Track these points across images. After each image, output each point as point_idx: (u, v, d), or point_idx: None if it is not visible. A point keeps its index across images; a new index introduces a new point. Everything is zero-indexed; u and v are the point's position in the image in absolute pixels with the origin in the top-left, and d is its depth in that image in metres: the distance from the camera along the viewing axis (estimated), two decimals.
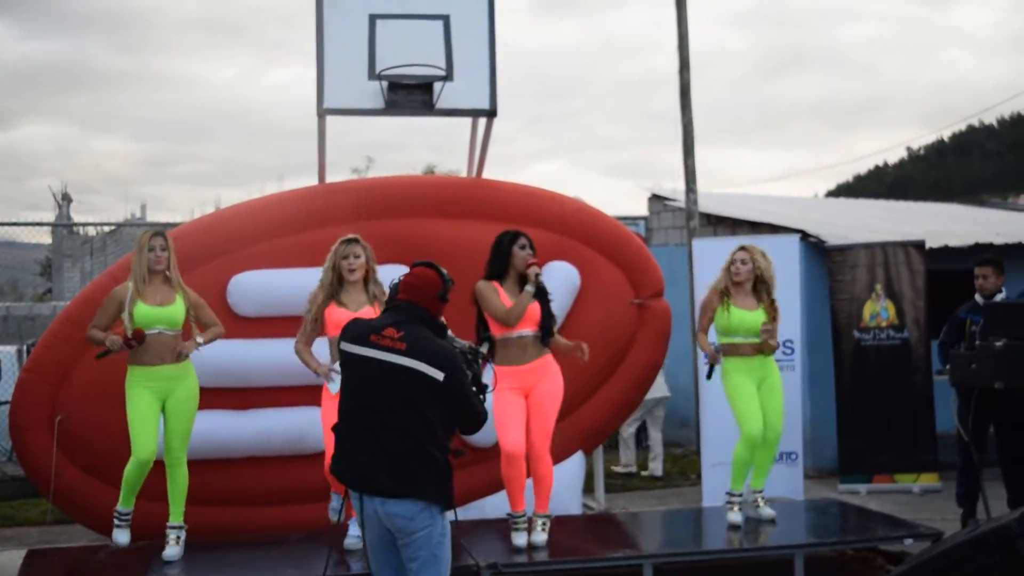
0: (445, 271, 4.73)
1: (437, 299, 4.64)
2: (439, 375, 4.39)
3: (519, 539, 6.39)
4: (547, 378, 6.35)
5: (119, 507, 6.31)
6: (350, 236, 6.20)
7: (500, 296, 6.29)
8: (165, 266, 6.19)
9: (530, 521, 6.42)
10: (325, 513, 6.19)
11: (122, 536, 6.28)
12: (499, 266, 6.39)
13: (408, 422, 4.39)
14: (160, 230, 6.37)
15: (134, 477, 6.18)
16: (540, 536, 6.39)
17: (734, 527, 6.80)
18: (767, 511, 6.94)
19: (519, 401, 6.26)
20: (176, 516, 6.36)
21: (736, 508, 6.90)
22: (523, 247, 6.36)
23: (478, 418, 4.58)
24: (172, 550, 6.28)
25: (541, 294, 6.36)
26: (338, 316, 6.01)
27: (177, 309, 6.18)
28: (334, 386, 5.86)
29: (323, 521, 6.18)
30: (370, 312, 6.09)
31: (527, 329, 6.31)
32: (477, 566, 5.88)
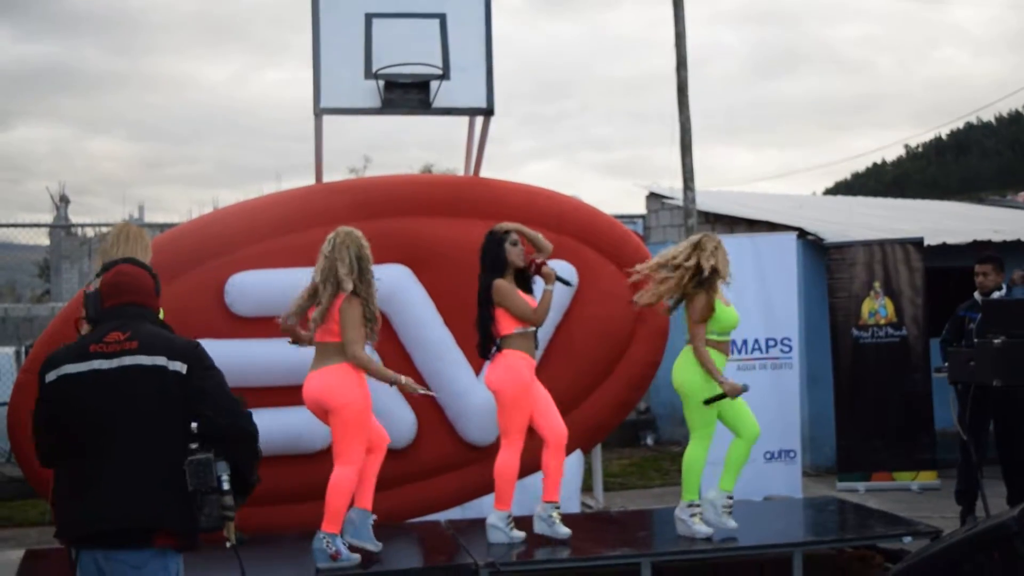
0: (150, 265, 4.45)
1: (155, 294, 4.17)
2: (182, 367, 3.80)
3: (518, 533, 6.42)
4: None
5: None
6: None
7: (518, 293, 6.38)
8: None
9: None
10: (320, 513, 6.17)
11: None
12: (497, 265, 6.42)
13: (146, 441, 3.72)
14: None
15: None
16: (565, 529, 6.41)
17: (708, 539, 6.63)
18: (732, 521, 6.73)
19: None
20: None
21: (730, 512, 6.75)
22: (514, 243, 6.40)
23: (238, 424, 3.83)
24: None
25: (528, 285, 6.48)
26: None
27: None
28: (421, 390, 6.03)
29: (318, 521, 6.16)
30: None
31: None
32: (476, 565, 5.88)
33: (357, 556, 5.93)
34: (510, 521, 6.44)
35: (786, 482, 9.14)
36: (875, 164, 47.08)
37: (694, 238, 6.82)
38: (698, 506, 6.59)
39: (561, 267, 7.74)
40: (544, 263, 6.40)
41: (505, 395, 6.36)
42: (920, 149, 48.56)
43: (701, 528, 6.52)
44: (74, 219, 23.93)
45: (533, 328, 6.43)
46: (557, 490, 6.51)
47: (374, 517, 6.16)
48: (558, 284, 6.52)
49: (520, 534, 6.41)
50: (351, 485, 5.92)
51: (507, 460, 6.35)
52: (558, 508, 6.53)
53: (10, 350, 12.79)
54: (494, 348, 6.42)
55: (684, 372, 6.65)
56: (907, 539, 6.56)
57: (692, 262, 6.52)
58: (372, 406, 6.14)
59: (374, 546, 6.08)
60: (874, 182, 42.01)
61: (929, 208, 18.48)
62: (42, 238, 21.45)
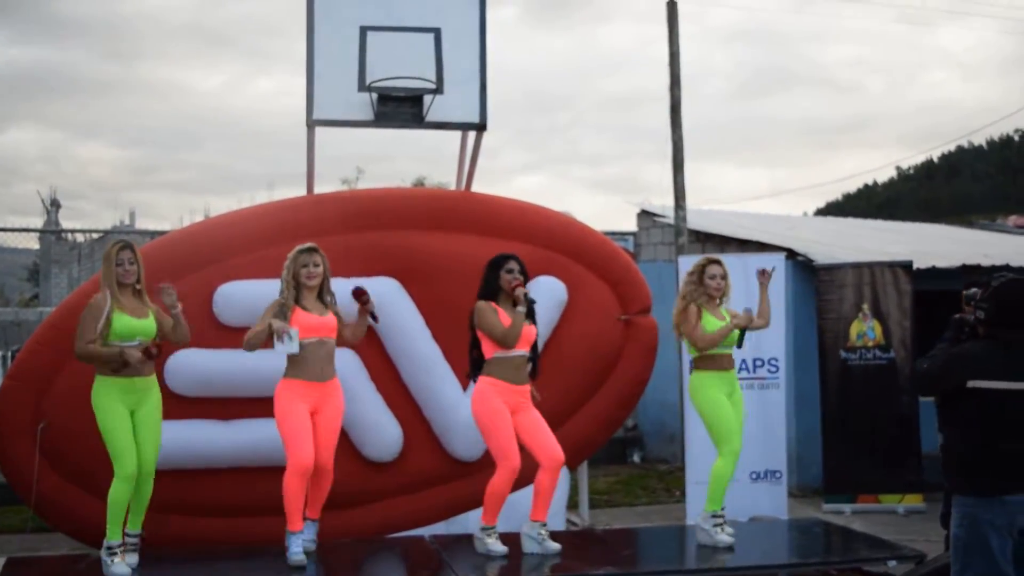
0: None
1: None
2: None
3: (499, 547, 6.42)
4: (530, 401, 6.51)
5: (109, 540, 6.00)
6: (310, 245, 6.30)
7: (499, 316, 6.35)
8: (134, 279, 6.09)
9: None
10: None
11: (122, 568, 5.99)
12: (490, 289, 6.45)
13: None
14: (128, 243, 6.17)
15: (124, 498, 5.99)
16: (554, 545, 6.44)
17: (729, 548, 6.69)
18: (724, 537, 6.80)
19: (510, 416, 6.35)
20: (136, 525, 6.25)
21: (724, 527, 6.80)
22: (510, 271, 6.41)
23: None
24: (132, 558, 6.16)
25: (534, 319, 6.53)
26: (303, 319, 6.16)
27: (151, 323, 6.12)
28: (285, 347, 6.02)
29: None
30: (332, 319, 6.26)
31: (525, 350, 6.42)
32: None
33: (302, 559, 6.10)
34: (492, 532, 6.45)
35: (772, 503, 9.12)
36: (866, 185, 47.30)
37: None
38: (721, 516, 6.73)
39: (550, 283, 7.76)
40: (518, 285, 6.38)
41: (479, 421, 6.41)
42: (911, 171, 48.78)
43: (724, 538, 6.65)
44: (64, 224, 23.90)
45: (516, 353, 6.36)
46: (546, 510, 6.49)
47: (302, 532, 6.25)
48: (544, 300, 6.56)
49: (503, 549, 6.39)
50: (292, 488, 6.09)
51: (495, 481, 6.34)
52: (545, 526, 6.50)
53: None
54: (475, 375, 6.47)
55: (693, 394, 6.92)
56: (891, 563, 6.56)
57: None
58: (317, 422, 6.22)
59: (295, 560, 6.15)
60: (865, 203, 42.14)
61: (919, 231, 18.53)
62: (32, 242, 21.45)
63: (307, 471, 6.05)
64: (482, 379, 6.39)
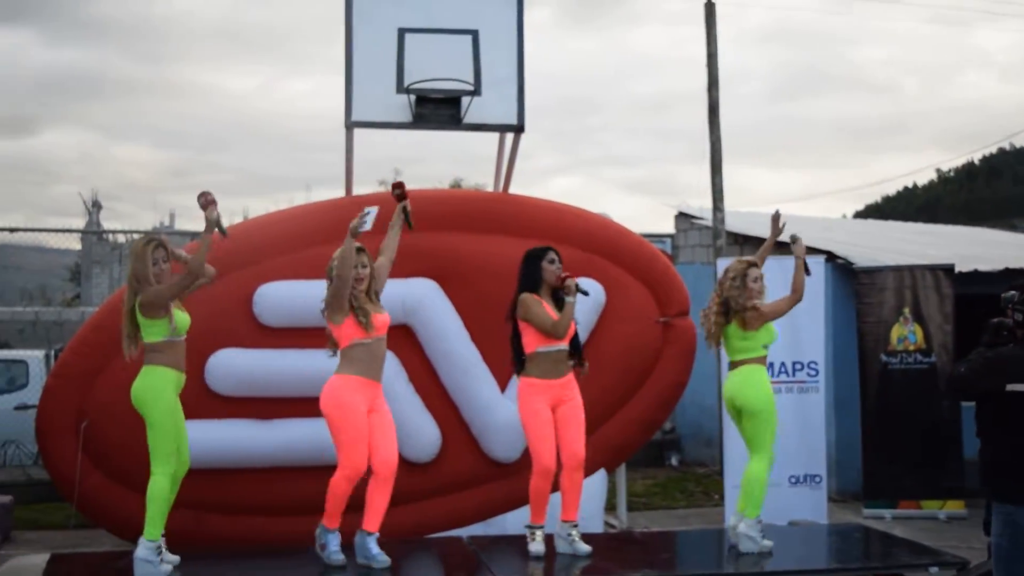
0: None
1: None
2: None
3: (538, 548, 6.36)
4: (575, 391, 6.43)
5: (150, 539, 5.87)
6: (358, 245, 6.11)
7: (545, 308, 6.31)
8: (166, 279, 6.03)
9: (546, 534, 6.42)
10: (346, 524, 6.15)
11: (166, 568, 5.92)
12: (532, 281, 6.39)
13: None
14: (160, 241, 6.11)
15: (169, 495, 5.93)
16: (583, 545, 6.37)
17: (766, 553, 6.63)
18: (767, 541, 6.66)
19: (551, 416, 6.31)
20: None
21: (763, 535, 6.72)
22: (552, 261, 6.39)
23: None
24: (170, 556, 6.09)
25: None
26: (374, 319, 6.01)
27: (188, 316, 6.15)
28: (367, 219, 5.92)
29: (343, 532, 6.15)
30: (387, 317, 6.15)
31: (565, 344, 6.37)
32: None
33: (341, 557, 6.03)
34: (540, 530, 6.40)
35: (811, 507, 9.06)
36: (906, 188, 46.82)
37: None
38: (760, 521, 6.61)
39: (588, 285, 7.74)
40: (567, 276, 6.36)
41: (520, 421, 6.40)
42: (952, 174, 48.26)
43: (768, 543, 6.56)
44: (104, 225, 24.15)
45: (558, 347, 6.35)
46: (575, 510, 6.47)
47: (376, 535, 6.11)
48: (582, 303, 6.50)
49: (540, 550, 6.37)
50: (341, 491, 5.95)
51: (532, 481, 6.32)
52: (576, 526, 6.48)
53: (40, 353, 12.91)
54: (520, 368, 6.42)
55: (749, 388, 6.61)
56: (933, 569, 6.47)
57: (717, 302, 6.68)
58: (384, 424, 6.07)
59: (379, 563, 6.04)
60: (905, 206, 41.74)
61: (961, 234, 18.35)
62: (74, 243, 21.68)
63: (359, 476, 5.93)
64: (523, 380, 6.36)
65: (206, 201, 6.01)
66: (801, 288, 6.84)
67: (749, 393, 6.62)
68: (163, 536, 6.06)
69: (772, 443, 6.65)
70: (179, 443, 6.00)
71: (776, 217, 7.13)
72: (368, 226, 5.94)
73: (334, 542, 6.07)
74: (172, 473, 5.94)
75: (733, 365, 6.75)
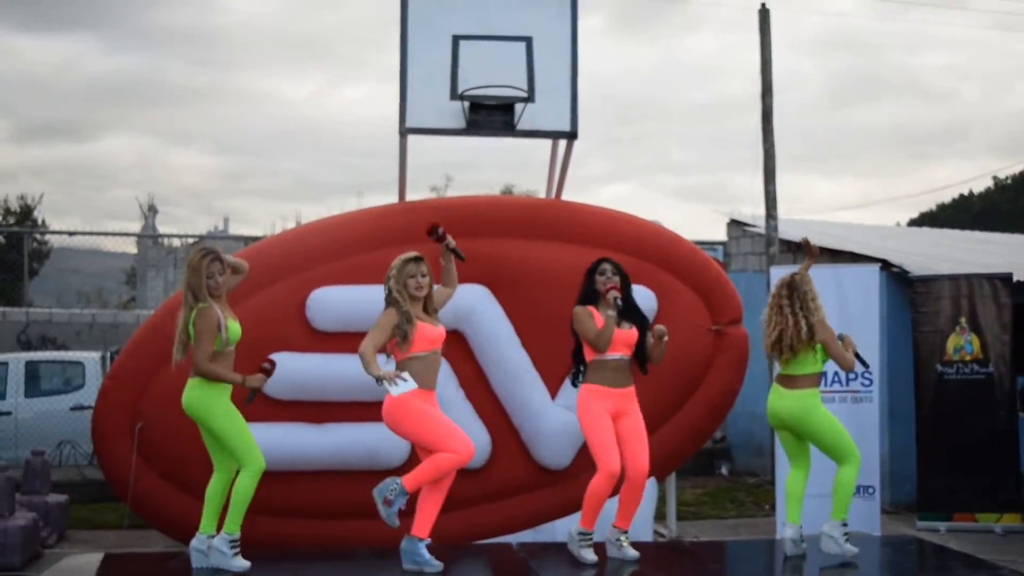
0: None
1: None
2: None
3: (590, 555, 6.37)
4: (635, 405, 6.46)
5: (232, 534, 5.99)
6: (415, 254, 6.11)
7: (595, 319, 6.35)
8: (222, 291, 6.08)
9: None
10: (395, 529, 6.17)
11: (243, 562, 6.01)
12: (587, 293, 6.44)
13: None
14: (216, 254, 6.09)
15: (251, 492, 6.02)
16: (631, 551, 6.42)
17: (852, 560, 6.57)
18: (852, 548, 6.70)
19: (611, 421, 6.34)
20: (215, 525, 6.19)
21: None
22: (603, 272, 6.39)
23: None
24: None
25: (641, 321, 6.49)
26: (426, 331, 6.00)
27: (239, 325, 6.18)
28: (397, 389, 5.72)
29: (393, 537, 6.18)
30: (443, 330, 6.14)
31: (623, 353, 6.39)
32: None
33: (439, 564, 5.96)
34: (588, 539, 6.41)
35: (864, 519, 8.94)
36: (961, 196, 46.02)
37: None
38: (845, 525, 6.65)
39: (640, 292, 7.71)
40: (611, 288, 6.36)
41: (580, 426, 6.42)
42: (1009, 181, 47.45)
43: (852, 548, 6.58)
44: (160, 229, 24.48)
45: (612, 357, 6.35)
46: (628, 519, 6.46)
47: (428, 541, 6.13)
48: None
49: (592, 558, 6.37)
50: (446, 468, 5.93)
51: (593, 484, 6.32)
52: (625, 534, 6.48)
53: (96, 355, 13.10)
54: (580, 378, 6.46)
55: (812, 419, 6.67)
56: None
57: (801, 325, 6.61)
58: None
59: (431, 568, 6.06)
60: (961, 214, 41.11)
61: (1019, 242, 18.04)
62: (129, 246, 22.02)
63: (467, 461, 6.00)
64: (583, 386, 6.40)
65: None
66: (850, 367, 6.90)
67: (811, 425, 6.68)
68: (212, 538, 6.14)
69: (852, 445, 6.69)
70: (254, 443, 6.06)
71: (807, 243, 7.07)
72: (397, 391, 5.79)
73: (423, 551, 6.00)
74: (260, 469, 6.01)
75: (788, 381, 6.69)
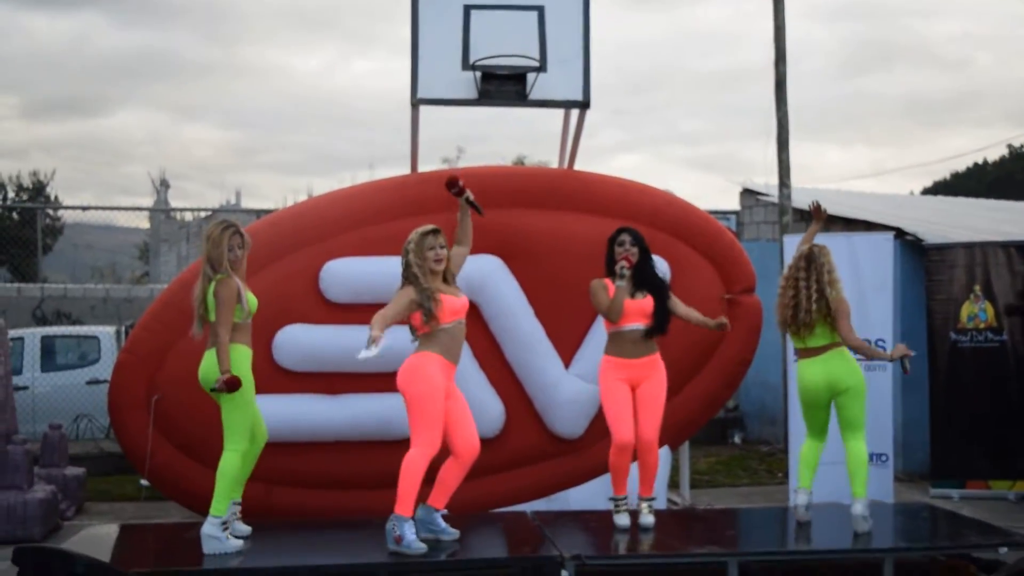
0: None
1: None
2: None
3: (623, 520, 6.49)
4: (656, 374, 6.52)
5: (216, 515, 5.93)
6: (433, 227, 6.07)
7: (608, 291, 6.40)
8: (241, 265, 6.09)
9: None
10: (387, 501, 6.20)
11: (234, 543, 5.98)
12: (608, 264, 6.52)
13: None
14: (237, 228, 6.11)
15: (239, 472, 6.03)
16: (648, 518, 6.53)
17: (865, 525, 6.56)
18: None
19: (628, 392, 6.42)
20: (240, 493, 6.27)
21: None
22: (621, 244, 6.43)
23: None
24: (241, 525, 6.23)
25: (658, 290, 6.53)
26: (450, 303, 5.96)
27: (255, 298, 6.18)
28: (366, 352, 5.52)
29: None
30: (466, 300, 6.13)
31: (638, 323, 6.44)
32: (561, 557, 5.88)
33: (423, 546, 5.85)
34: (617, 504, 6.53)
35: (877, 486, 8.93)
36: (976, 164, 45.70)
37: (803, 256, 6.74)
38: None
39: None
40: (623, 257, 6.38)
41: (600, 398, 6.54)
42: None
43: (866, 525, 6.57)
44: (172, 204, 24.51)
45: (628, 327, 6.41)
46: (648, 486, 6.54)
47: (444, 512, 6.15)
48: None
49: (626, 522, 6.50)
50: (416, 469, 5.81)
51: (611, 456, 6.44)
52: (649, 501, 6.59)
53: (111, 329, 13.17)
54: None
55: (854, 371, 6.70)
56: (1003, 550, 6.38)
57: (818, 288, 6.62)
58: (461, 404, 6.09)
59: (448, 535, 6.09)
60: (975, 182, 40.83)
61: None
62: (142, 221, 22.08)
63: (434, 454, 5.86)
64: (603, 358, 6.51)
65: None
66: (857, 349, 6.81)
67: (856, 376, 6.69)
68: (238, 505, 6.19)
69: (863, 423, 6.76)
70: (254, 420, 6.10)
71: (816, 206, 7.07)
72: (364, 354, 5.57)
73: (410, 531, 5.83)
74: (244, 451, 6.02)
75: (817, 351, 6.68)
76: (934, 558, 6.77)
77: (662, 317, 6.50)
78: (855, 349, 6.74)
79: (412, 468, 5.81)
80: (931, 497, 9.70)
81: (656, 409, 6.47)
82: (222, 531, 5.94)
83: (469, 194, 6.24)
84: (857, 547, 6.51)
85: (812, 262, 6.67)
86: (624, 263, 6.37)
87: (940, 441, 10.13)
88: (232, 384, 5.79)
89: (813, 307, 6.59)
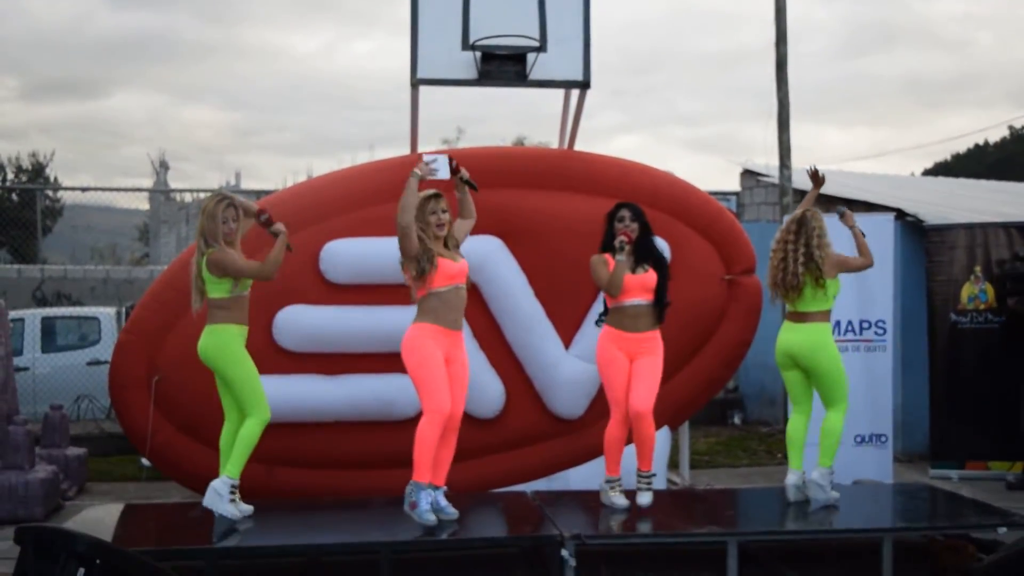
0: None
1: None
2: None
3: (618, 500, 6.51)
4: (654, 350, 6.53)
5: (234, 480, 6.07)
6: (435, 191, 6.08)
7: (608, 266, 6.43)
8: (234, 237, 6.15)
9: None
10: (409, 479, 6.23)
11: (242, 509, 6.11)
12: (606, 240, 6.53)
13: None
14: (230, 200, 6.19)
15: (256, 440, 6.08)
16: (645, 496, 6.53)
17: (834, 507, 6.67)
18: (834, 493, 6.76)
19: (626, 364, 6.45)
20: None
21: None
22: (621, 219, 6.43)
23: None
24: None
25: (659, 264, 6.56)
26: (447, 267, 5.96)
27: None
28: (439, 172, 5.90)
29: (395, 489, 6.22)
30: (465, 264, 6.13)
31: (640, 299, 6.46)
32: (561, 537, 5.90)
33: (432, 519, 5.91)
34: (612, 485, 6.55)
35: (877, 467, 8.99)
36: (977, 145, 45.59)
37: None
38: (832, 472, 6.74)
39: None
40: (622, 233, 6.40)
41: (598, 370, 6.57)
42: None
43: (835, 494, 6.69)
44: (172, 185, 24.49)
45: (629, 302, 6.43)
46: (645, 460, 6.54)
47: (444, 489, 6.18)
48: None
49: (624, 502, 6.51)
50: (425, 435, 5.84)
51: (607, 429, 6.50)
52: (647, 477, 6.58)
53: (111, 310, 13.18)
54: (601, 320, 6.62)
55: (820, 353, 6.71)
56: (1002, 530, 6.40)
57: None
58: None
59: (448, 515, 6.12)
60: (975, 164, 40.75)
61: None
62: (142, 203, 22.03)
63: (445, 418, 5.87)
64: (603, 329, 6.55)
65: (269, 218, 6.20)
66: (870, 254, 6.94)
67: (821, 358, 6.71)
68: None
69: (847, 393, 6.77)
70: (261, 392, 6.12)
71: (814, 173, 7.09)
72: (441, 174, 5.92)
73: (425, 500, 5.89)
74: (266, 420, 6.08)
75: (799, 317, 6.73)
76: (933, 538, 6.79)
77: (663, 291, 6.53)
78: (871, 262, 6.91)
79: (422, 435, 5.87)
80: (930, 478, 9.73)
81: (650, 381, 6.44)
82: (229, 493, 6.03)
83: (464, 172, 6.23)
84: (856, 527, 6.54)
85: (803, 225, 6.73)
86: (623, 238, 6.37)
87: (940, 422, 10.15)
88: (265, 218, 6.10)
89: (800, 269, 6.65)
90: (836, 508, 6.66)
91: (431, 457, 5.89)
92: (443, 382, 5.90)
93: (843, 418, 6.74)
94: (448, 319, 5.98)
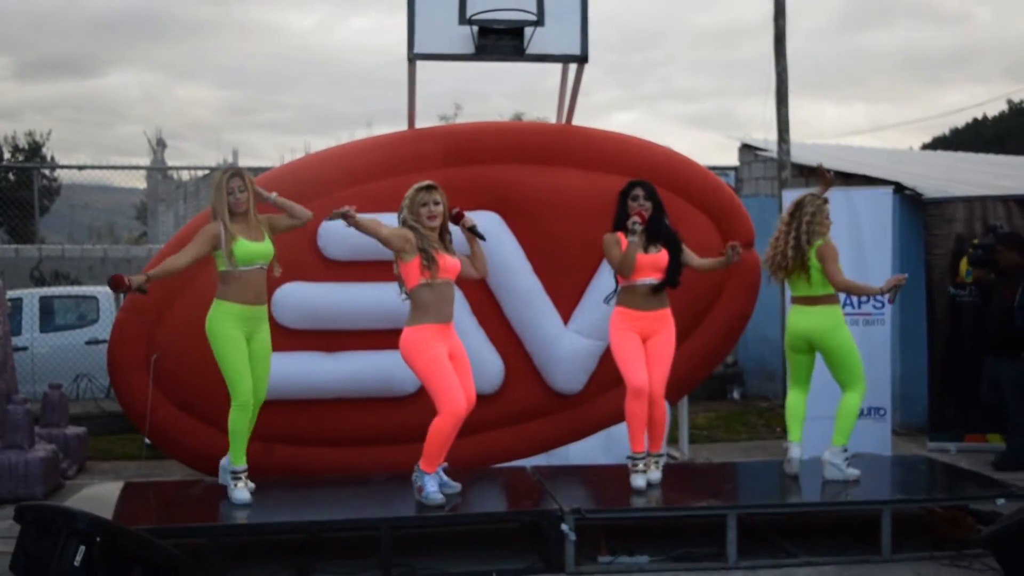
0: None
1: None
2: None
3: (639, 480, 6.50)
4: (666, 328, 6.55)
5: (234, 465, 6.17)
6: (428, 183, 6.08)
7: (621, 246, 6.43)
8: (246, 208, 6.13)
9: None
10: (410, 455, 6.25)
11: (243, 494, 6.16)
12: (619, 218, 6.52)
13: None
14: (238, 170, 6.22)
15: (243, 426, 6.12)
16: (655, 474, 6.57)
17: (855, 480, 6.69)
18: (854, 471, 6.80)
19: (639, 341, 6.47)
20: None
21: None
22: (635, 198, 6.43)
23: None
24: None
25: (672, 243, 6.54)
26: (444, 261, 5.99)
27: (268, 245, 6.19)
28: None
29: (407, 463, 6.25)
30: (457, 261, 6.13)
31: (651, 278, 6.47)
32: (561, 511, 5.92)
33: (441, 498, 6.01)
34: (635, 463, 6.54)
35: (875, 440, 8.99)
36: (975, 120, 45.45)
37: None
38: (846, 450, 6.76)
39: None
40: (636, 212, 6.38)
41: (611, 348, 6.58)
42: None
43: (854, 471, 6.70)
44: (169, 163, 24.43)
45: (641, 281, 6.44)
46: (656, 441, 6.61)
47: (445, 464, 6.22)
48: None
49: (641, 484, 6.50)
50: (440, 432, 5.94)
51: (627, 404, 6.48)
52: (657, 458, 6.63)
53: (109, 289, 13.13)
54: (612, 298, 6.63)
55: (837, 334, 6.78)
56: (1001, 501, 6.43)
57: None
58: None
59: (450, 488, 6.19)
60: (974, 138, 40.64)
61: None
62: (139, 181, 22.02)
63: (463, 415, 5.97)
64: (615, 307, 6.55)
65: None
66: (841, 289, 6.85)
67: (836, 339, 6.76)
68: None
69: (863, 373, 6.83)
70: (247, 375, 6.12)
71: (822, 169, 7.08)
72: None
73: (432, 483, 6.05)
74: (242, 404, 6.07)
75: (811, 300, 6.75)
76: (932, 510, 6.81)
77: (674, 271, 6.54)
78: (846, 291, 6.82)
79: (437, 432, 5.97)
80: (929, 450, 9.74)
81: (664, 364, 6.51)
82: (229, 478, 6.18)
83: (467, 220, 6.22)
84: (855, 499, 6.55)
85: (801, 208, 6.77)
86: (637, 218, 6.36)
87: (938, 395, 10.15)
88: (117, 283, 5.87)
89: (789, 252, 6.74)
90: (866, 483, 6.70)
91: (443, 451, 6.04)
92: (454, 380, 5.97)
93: (861, 399, 6.81)
94: (443, 313, 6.02)
